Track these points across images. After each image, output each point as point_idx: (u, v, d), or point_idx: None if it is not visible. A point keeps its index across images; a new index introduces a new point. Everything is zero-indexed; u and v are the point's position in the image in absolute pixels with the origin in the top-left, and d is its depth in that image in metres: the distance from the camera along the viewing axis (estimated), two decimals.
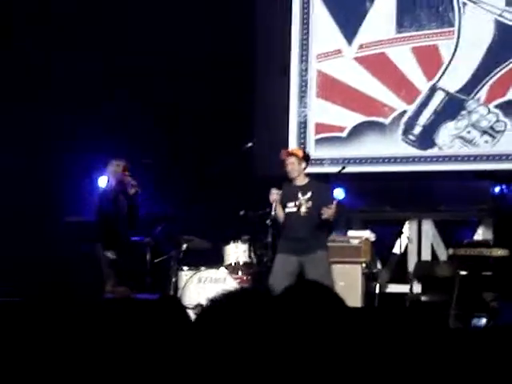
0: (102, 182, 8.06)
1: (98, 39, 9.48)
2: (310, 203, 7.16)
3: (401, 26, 9.16)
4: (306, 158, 7.36)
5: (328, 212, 6.93)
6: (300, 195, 7.20)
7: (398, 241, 9.12)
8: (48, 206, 8.92)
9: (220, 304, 1.86)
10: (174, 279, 8.16)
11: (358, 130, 9.31)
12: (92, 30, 9.50)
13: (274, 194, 7.17)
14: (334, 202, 7.04)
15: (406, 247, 9.25)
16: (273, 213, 7.23)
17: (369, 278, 8.56)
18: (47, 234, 8.62)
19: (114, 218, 7.97)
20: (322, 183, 7.50)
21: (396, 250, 9.23)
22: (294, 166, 7.23)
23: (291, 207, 7.23)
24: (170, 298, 7.38)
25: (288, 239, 7.20)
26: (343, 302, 2.24)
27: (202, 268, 8.04)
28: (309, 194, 7.18)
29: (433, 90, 9.02)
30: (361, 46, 9.33)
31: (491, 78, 8.78)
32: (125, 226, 8.06)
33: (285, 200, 7.24)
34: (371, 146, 9.27)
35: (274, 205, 7.18)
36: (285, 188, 7.29)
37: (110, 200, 7.98)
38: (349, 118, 9.35)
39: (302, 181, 7.27)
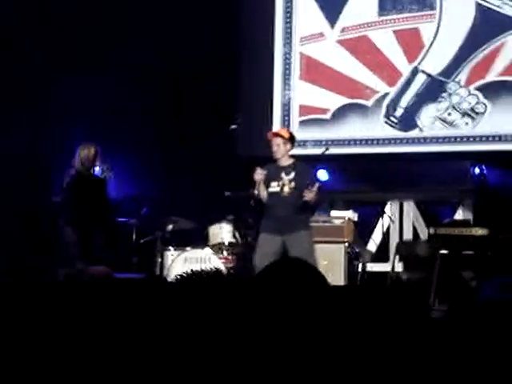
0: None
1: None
2: (292, 184, 7.24)
3: (383, 9, 9.25)
4: (292, 140, 7.42)
5: (309, 195, 7.03)
6: (283, 175, 7.28)
7: (380, 221, 9.25)
8: (37, 187, 8.98)
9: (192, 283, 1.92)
10: (159, 259, 8.26)
11: (341, 112, 9.41)
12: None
13: (259, 174, 7.24)
14: (316, 185, 7.13)
15: (388, 227, 9.38)
16: (255, 192, 7.31)
17: (351, 257, 8.68)
18: (36, 213, 8.69)
19: (84, 201, 7.91)
20: (305, 165, 7.57)
21: (378, 229, 9.37)
22: (279, 147, 7.30)
23: (274, 187, 7.29)
24: (156, 277, 7.49)
25: (271, 219, 7.27)
26: (324, 279, 2.32)
27: (188, 248, 8.14)
28: (292, 175, 7.26)
29: (414, 72, 9.13)
30: (343, 29, 9.42)
31: (471, 60, 8.89)
32: (95, 209, 8.01)
33: (268, 180, 7.30)
34: (354, 128, 9.38)
35: (257, 184, 7.26)
36: (268, 168, 7.36)
37: (82, 183, 7.94)
38: (332, 100, 9.44)
39: (286, 161, 7.34)
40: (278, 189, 7.26)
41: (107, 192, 8.04)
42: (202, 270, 2.08)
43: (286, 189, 7.23)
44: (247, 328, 1.82)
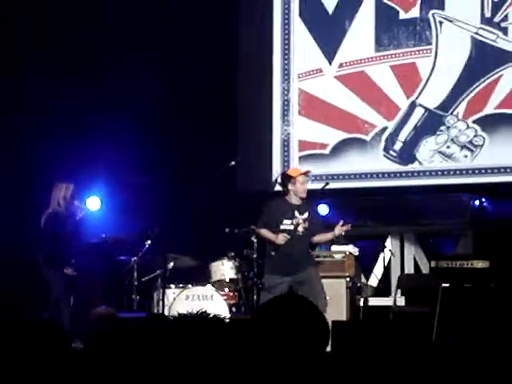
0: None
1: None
2: (306, 223, 7.26)
3: (380, 44, 9.34)
4: None
5: (340, 229, 7.19)
6: (297, 214, 7.27)
7: (381, 254, 9.25)
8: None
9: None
10: (161, 297, 8.24)
11: (340, 147, 9.46)
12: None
13: (282, 239, 7.23)
14: (349, 225, 7.23)
15: (389, 261, 9.37)
16: (254, 239, 7.43)
17: (353, 291, 8.66)
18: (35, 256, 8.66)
19: (63, 240, 7.97)
20: (313, 203, 7.62)
21: (379, 264, 9.35)
22: (306, 186, 7.32)
23: (288, 224, 7.26)
24: (157, 316, 7.47)
25: (280, 257, 7.23)
26: (322, 316, 2.30)
27: (189, 285, 8.13)
28: (306, 215, 7.27)
29: (412, 106, 9.19)
30: (341, 65, 9.50)
31: (469, 93, 8.95)
32: (72, 248, 8.08)
33: (280, 216, 7.28)
34: (353, 162, 9.41)
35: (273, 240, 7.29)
36: (278, 203, 7.34)
37: (60, 223, 7.98)
38: (331, 135, 9.49)
39: (297, 200, 7.37)
40: (291, 227, 7.24)
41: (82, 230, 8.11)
42: (203, 312, 2.09)
43: (301, 228, 7.23)
44: (244, 369, 1.82)
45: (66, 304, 7.84)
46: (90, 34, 9.58)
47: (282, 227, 7.23)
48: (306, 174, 7.43)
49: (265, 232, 7.28)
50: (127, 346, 2.52)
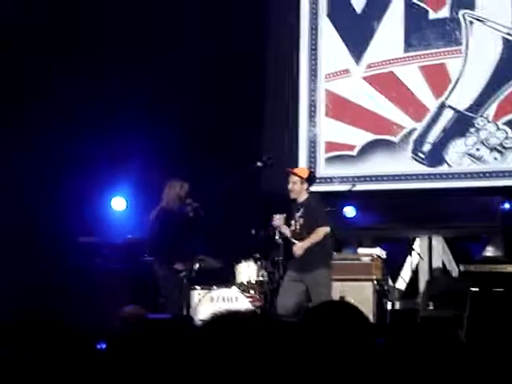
0: (118, 203, 8.08)
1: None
2: (301, 220, 7.19)
3: (409, 45, 9.24)
4: (310, 179, 7.37)
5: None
6: (296, 212, 7.26)
7: (409, 257, 9.15)
8: (62, 228, 8.98)
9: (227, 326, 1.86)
10: (186, 299, 8.20)
11: (367, 149, 9.37)
12: None
13: (277, 220, 7.21)
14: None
15: (417, 264, 9.27)
16: (277, 237, 7.31)
17: (380, 294, 8.57)
18: (62, 255, 8.67)
19: (169, 239, 7.98)
20: (317, 201, 7.44)
21: (407, 267, 9.25)
22: (294, 186, 7.23)
23: (292, 225, 7.28)
24: (183, 317, 7.43)
25: (292, 257, 7.27)
26: (368, 319, 2.27)
27: (214, 287, 8.07)
28: (301, 212, 7.21)
29: (441, 107, 9.08)
30: (369, 66, 9.41)
31: (499, 95, 8.83)
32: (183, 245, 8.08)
33: (289, 217, 7.29)
34: (381, 164, 9.32)
35: (277, 230, 7.25)
36: (291, 206, 7.35)
37: (170, 221, 8.00)
38: (358, 137, 9.41)
39: (302, 198, 7.29)
40: (293, 227, 7.23)
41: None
42: (240, 311, 2.03)
43: (297, 226, 7.18)
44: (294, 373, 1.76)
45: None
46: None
47: (291, 228, 7.26)
48: (295, 175, 7.30)
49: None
50: (160, 346, 2.48)
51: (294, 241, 7.17)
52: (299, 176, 7.27)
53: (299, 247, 7.10)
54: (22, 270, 8.42)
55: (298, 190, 7.22)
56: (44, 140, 9.14)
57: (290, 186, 7.24)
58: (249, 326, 1.86)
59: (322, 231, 7.10)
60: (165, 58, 9.51)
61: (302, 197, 7.28)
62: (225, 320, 1.90)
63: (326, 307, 2.26)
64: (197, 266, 8.38)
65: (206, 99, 9.60)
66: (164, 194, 8.13)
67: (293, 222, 7.23)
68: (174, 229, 7.95)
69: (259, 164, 8.34)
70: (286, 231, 7.26)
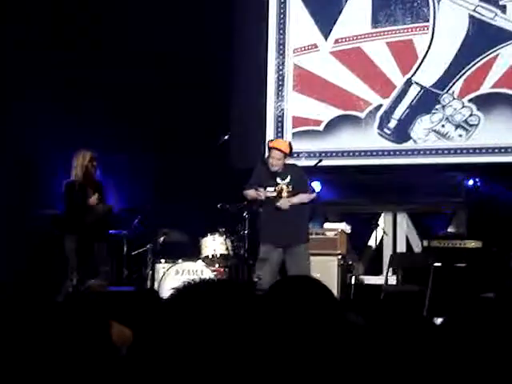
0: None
1: None
2: (290, 187, 7.21)
3: (376, 21, 9.23)
4: (291, 154, 7.44)
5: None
6: (280, 180, 7.24)
7: (374, 233, 9.21)
8: (24, 200, 8.91)
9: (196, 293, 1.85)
10: (150, 272, 8.19)
11: (334, 124, 9.38)
12: None
13: (261, 194, 7.20)
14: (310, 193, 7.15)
15: (382, 239, 9.34)
16: (246, 215, 7.36)
17: (344, 269, 8.63)
18: (23, 226, 8.61)
19: (82, 209, 7.94)
20: (296, 166, 7.55)
21: (371, 242, 9.32)
22: (279, 162, 7.24)
23: (271, 192, 7.25)
24: (147, 290, 7.42)
25: (270, 228, 7.23)
26: (332, 294, 2.29)
27: (179, 260, 8.07)
28: (288, 179, 7.23)
29: (408, 84, 9.11)
30: (337, 41, 9.40)
31: (465, 72, 8.87)
32: (92, 218, 8.03)
33: (264, 183, 7.26)
34: (347, 140, 9.35)
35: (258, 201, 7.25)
36: (262, 170, 7.31)
37: (78, 191, 7.96)
38: (325, 112, 9.41)
39: (281, 168, 7.31)
40: (275, 193, 7.22)
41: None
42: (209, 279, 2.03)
43: (285, 194, 7.18)
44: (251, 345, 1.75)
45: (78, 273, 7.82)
46: None
47: (266, 194, 7.23)
48: (280, 150, 7.30)
49: (251, 192, 7.29)
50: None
51: (282, 195, 7.18)
52: (283, 152, 7.28)
53: (287, 201, 7.12)
54: None
55: (281, 164, 7.25)
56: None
57: (273, 162, 7.22)
58: (217, 295, 1.85)
59: (311, 196, 7.19)
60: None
61: (281, 167, 7.29)
62: (191, 290, 1.89)
63: (292, 281, 2.26)
64: (162, 239, 8.37)
65: (171, 73, 9.53)
66: (72, 166, 8.07)
67: (277, 188, 7.21)
68: (84, 200, 7.93)
69: (225, 137, 8.34)
70: (273, 194, 7.25)
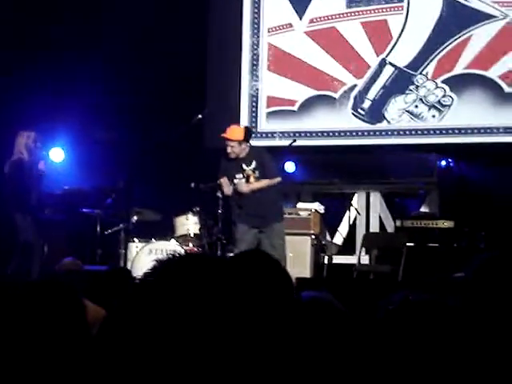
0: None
1: None
2: (257, 172, 7.20)
3: (351, 1, 9.22)
4: (248, 136, 7.33)
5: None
6: (245, 166, 7.22)
7: (347, 213, 9.24)
8: None
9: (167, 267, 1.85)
10: (123, 251, 8.17)
11: (308, 104, 9.38)
12: None
13: (226, 185, 7.22)
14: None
15: (355, 219, 9.38)
16: (219, 195, 7.35)
17: (318, 249, 8.67)
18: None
19: (29, 189, 7.86)
20: (260, 148, 7.52)
21: (345, 222, 9.36)
22: (234, 149, 7.20)
23: (240, 179, 7.24)
24: (120, 269, 7.40)
25: (244, 212, 7.24)
26: (288, 275, 2.31)
27: (153, 239, 8.06)
28: (254, 164, 7.21)
29: (382, 64, 9.12)
30: (311, 21, 9.38)
31: (439, 53, 8.90)
32: (37, 197, 7.98)
33: (231, 173, 7.24)
34: (321, 120, 9.35)
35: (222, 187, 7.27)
36: (226, 160, 7.28)
37: (25, 171, 7.86)
38: (299, 92, 9.41)
39: (245, 153, 7.25)
40: (243, 180, 7.21)
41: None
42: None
43: (252, 179, 7.18)
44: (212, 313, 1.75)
45: (36, 251, 7.74)
46: None
47: (235, 182, 7.22)
48: (231, 140, 7.23)
49: (223, 183, 7.33)
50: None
51: (250, 180, 7.18)
52: (235, 140, 7.21)
53: (247, 185, 7.13)
54: None
55: (239, 151, 7.19)
56: None
57: (229, 150, 7.19)
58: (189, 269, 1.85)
59: (273, 181, 7.19)
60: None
61: (244, 152, 7.25)
62: (164, 266, 1.88)
63: (247, 256, 2.27)
64: (135, 218, 8.35)
65: (145, 51, 9.47)
66: (15, 145, 7.98)
67: (244, 174, 7.19)
68: (29, 178, 7.86)
69: (199, 116, 8.30)
70: (242, 180, 7.24)
